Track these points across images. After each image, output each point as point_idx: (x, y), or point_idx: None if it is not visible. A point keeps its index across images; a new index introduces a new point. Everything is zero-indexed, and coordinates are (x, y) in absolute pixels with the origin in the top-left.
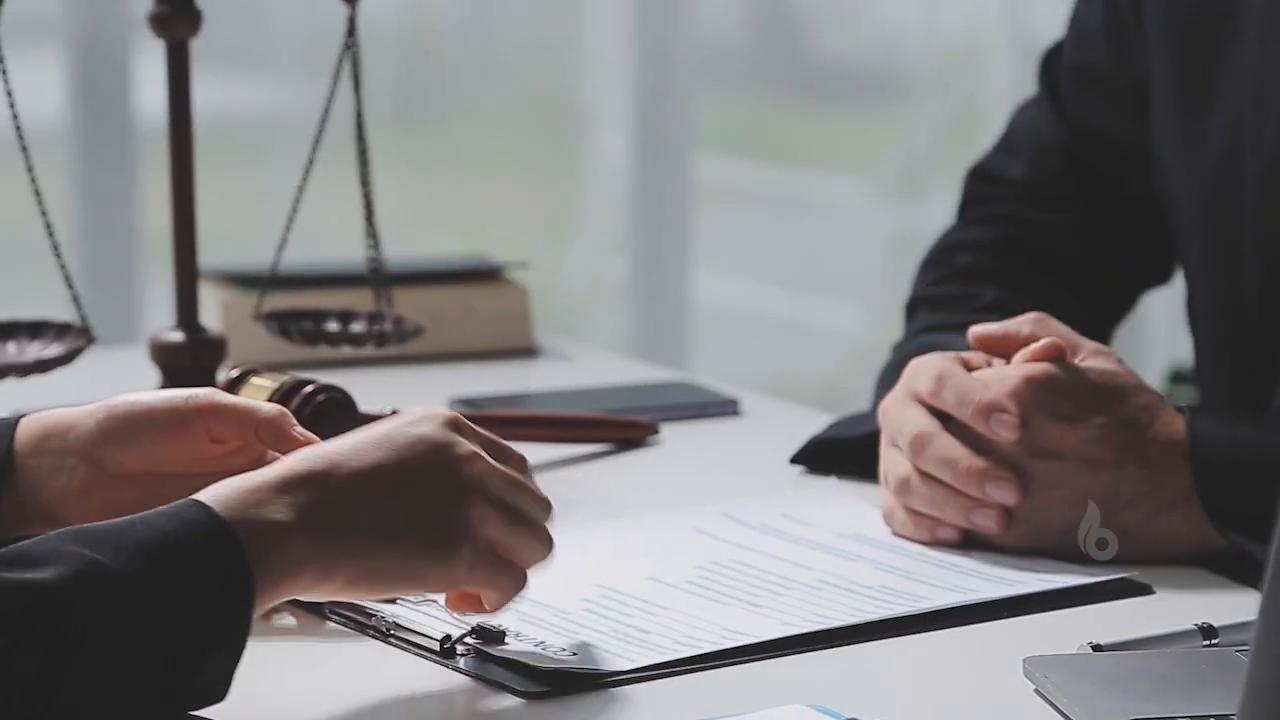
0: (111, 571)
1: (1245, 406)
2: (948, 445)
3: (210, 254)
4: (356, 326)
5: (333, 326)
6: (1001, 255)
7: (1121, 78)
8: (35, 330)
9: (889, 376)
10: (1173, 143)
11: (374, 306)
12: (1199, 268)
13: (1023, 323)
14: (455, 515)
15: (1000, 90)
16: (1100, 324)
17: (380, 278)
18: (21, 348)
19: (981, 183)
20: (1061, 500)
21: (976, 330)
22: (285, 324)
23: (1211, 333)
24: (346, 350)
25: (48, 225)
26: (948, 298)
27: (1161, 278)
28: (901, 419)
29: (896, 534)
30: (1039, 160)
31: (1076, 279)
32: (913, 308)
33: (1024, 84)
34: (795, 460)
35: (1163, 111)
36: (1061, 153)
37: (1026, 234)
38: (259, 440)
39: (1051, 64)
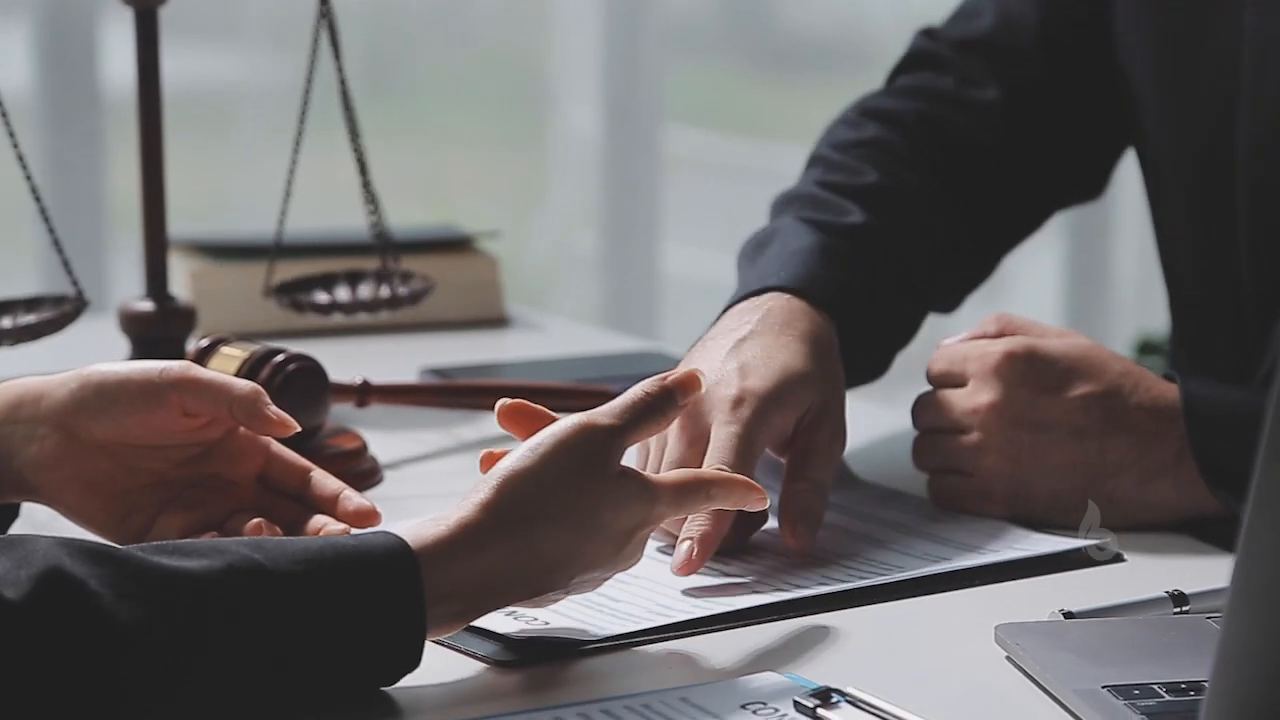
0: (266, 570)
1: (1230, 372)
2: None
3: (178, 224)
4: (364, 292)
5: (343, 296)
6: (909, 133)
7: None
8: (31, 305)
9: (752, 249)
10: (1152, 94)
11: (382, 269)
12: (1184, 233)
13: (987, 324)
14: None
15: None
16: (991, 230)
17: (385, 242)
18: (17, 320)
19: (931, 40)
20: (1050, 471)
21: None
22: (297, 299)
23: (1198, 297)
24: (363, 317)
25: (34, 191)
26: (838, 165)
27: (1087, 191)
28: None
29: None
30: (1012, 21)
31: (983, 173)
32: (811, 161)
33: None
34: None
35: (1138, 55)
36: (1042, 21)
37: (947, 114)
38: (232, 417)
39: None
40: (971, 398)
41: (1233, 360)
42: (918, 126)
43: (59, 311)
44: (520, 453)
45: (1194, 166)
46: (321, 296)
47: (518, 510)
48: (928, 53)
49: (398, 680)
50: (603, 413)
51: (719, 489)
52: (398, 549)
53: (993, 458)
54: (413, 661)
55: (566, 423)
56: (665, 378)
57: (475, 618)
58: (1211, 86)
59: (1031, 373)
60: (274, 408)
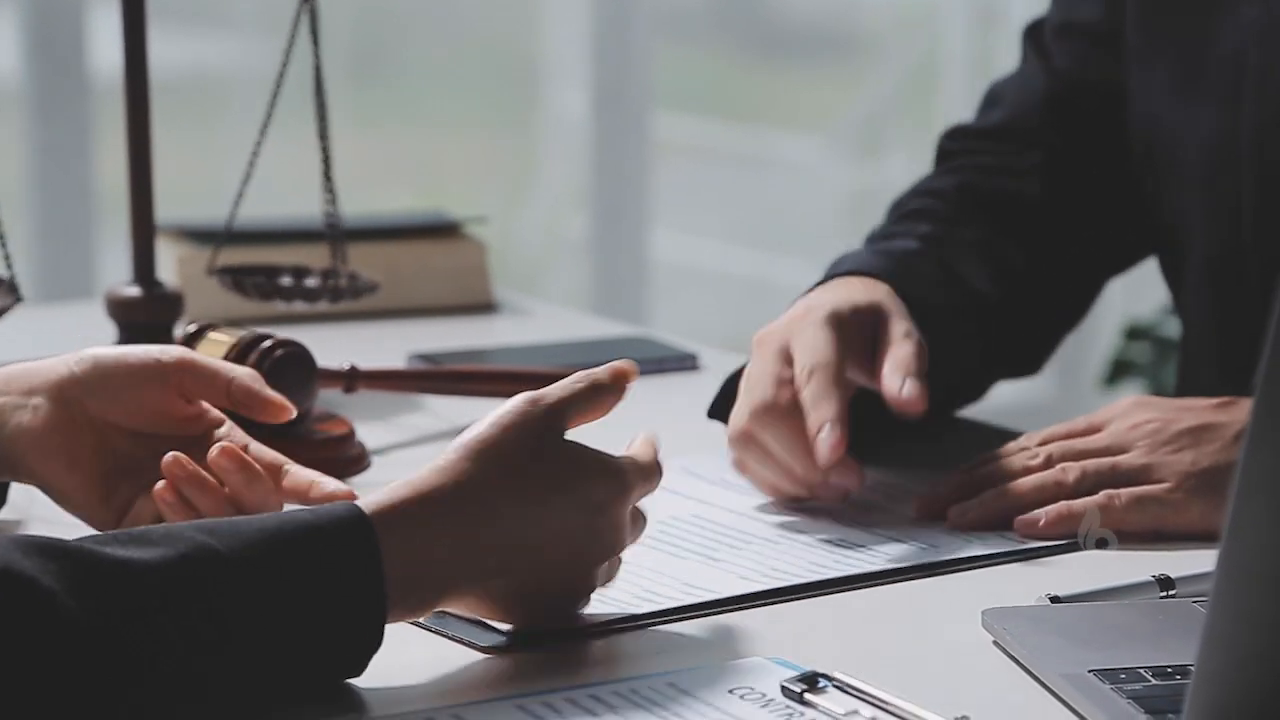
0: (221, 556)
1: (1240, 358)
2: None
3: (166, 210)
4: (310, 281)
5: (286, 281)
6: (954, 199)
7: (1114, 27)
8: None
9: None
10: (1167, 95)
11: (330, 262)
12: (1195, 221)
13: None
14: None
15: (958, 49)
16: (1054, 288)
17: (336, 233)
18: None
19: (953, 139)
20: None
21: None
22: (239, 279)
23: (1209, 287)
24: (300, 305)
25: None
26: (887, 233)
27: (1122, 262)
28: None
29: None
30: (1021, 104)
31: (1034, 230)
32: (866, 242)
33: (981, 43)
34: (711, 415)
35: (1154, 63)
36: (1047, 97)
37: (989, 180)
38: (230, 401)
39: (1035, 30)
40: (1121, 423)
41: (1243, 347)
42: (959, 195)
43: None
44: (483, 425)
45: (1203, 162)
46: (261, 279)
47: (477, 479)
48: (952, 150)
49: (364, 660)
50: (549, 390)
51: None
52: (352, 517)
53: (1169, 451)
54: (374, 637)
55: (517, 400)
56: (608, 369)
57: (444, 597)
58: (1219, 82)
59: (1158, 400)
60: (271, 392)
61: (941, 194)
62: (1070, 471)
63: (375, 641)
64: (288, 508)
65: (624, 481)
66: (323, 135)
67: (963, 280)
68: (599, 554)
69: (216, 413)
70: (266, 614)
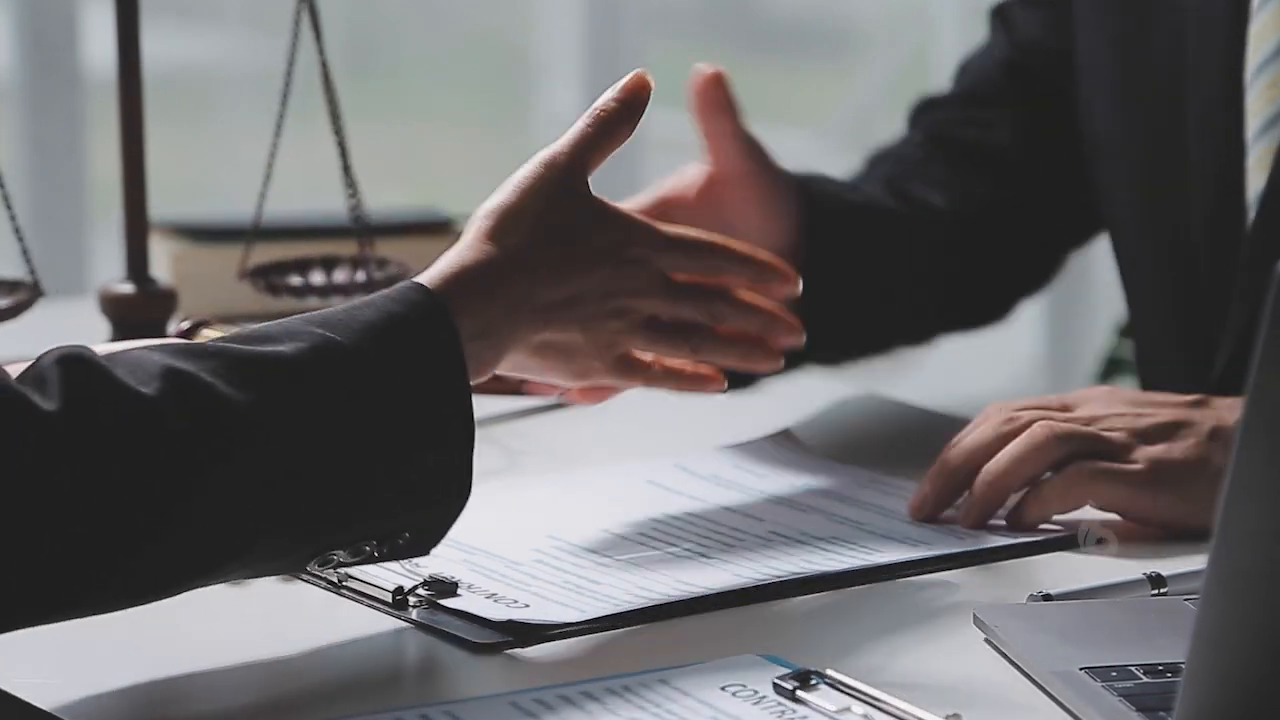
0: (345, 348)
1: (1194, 353)
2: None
3: (159, 205)
4: (340, 275)
5: (319, 279)
6: (922, 144)
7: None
8: None
9: None
10: (1106, 91)
11: (358, 254)
12: (1140, 218)
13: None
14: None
15: (950, 43)
16: (1016, 233)
17: (362, 225)
18: None
19: (922, 109)
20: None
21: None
22: (273, 281)
23: (1158, 285)
24: (338, 301)
25: None
26: (859, 176)
27: (1084, 232)
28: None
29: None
30: (980, 71)
31: (1001, 172)
32: None
33: (972, 38)
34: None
35: (1095, 57)
36: (1004, 64)
37: (957, 130)
38: None
39: (1003, 6)
40: (1096, 406)
41: (1197, 343)
42: (927, 141)
43: (14, 300)
44: (508, 193)
45: (1147, 156)
46: (296, 280)
47: (515, 245)
48: (920, 116)
49: (463, 435)
50: (562, 145)
51: (733, 262)
52: (428, 302)
53: (1144, 440)
54: (464, 409)
55: (534, 163)
56: (615, 91)
57: (501, 358)
58: (1161, 74)
59: (1132, 392)
60: None
61: (909, 142)
62: (1051, 429)
63: (466, 412)
64: None
65: (633, 233)
66: (337, 130)
67: (910, 196)
68: (617, 285)
69: None
70: (376, 394)
